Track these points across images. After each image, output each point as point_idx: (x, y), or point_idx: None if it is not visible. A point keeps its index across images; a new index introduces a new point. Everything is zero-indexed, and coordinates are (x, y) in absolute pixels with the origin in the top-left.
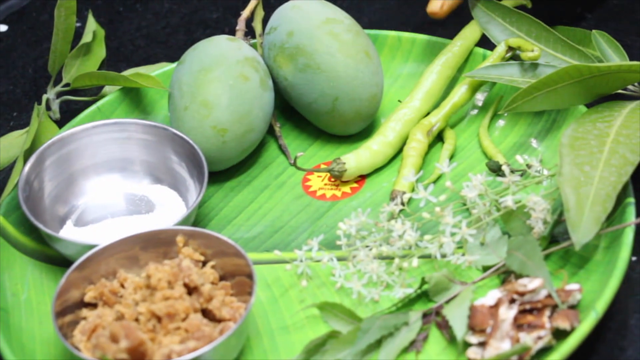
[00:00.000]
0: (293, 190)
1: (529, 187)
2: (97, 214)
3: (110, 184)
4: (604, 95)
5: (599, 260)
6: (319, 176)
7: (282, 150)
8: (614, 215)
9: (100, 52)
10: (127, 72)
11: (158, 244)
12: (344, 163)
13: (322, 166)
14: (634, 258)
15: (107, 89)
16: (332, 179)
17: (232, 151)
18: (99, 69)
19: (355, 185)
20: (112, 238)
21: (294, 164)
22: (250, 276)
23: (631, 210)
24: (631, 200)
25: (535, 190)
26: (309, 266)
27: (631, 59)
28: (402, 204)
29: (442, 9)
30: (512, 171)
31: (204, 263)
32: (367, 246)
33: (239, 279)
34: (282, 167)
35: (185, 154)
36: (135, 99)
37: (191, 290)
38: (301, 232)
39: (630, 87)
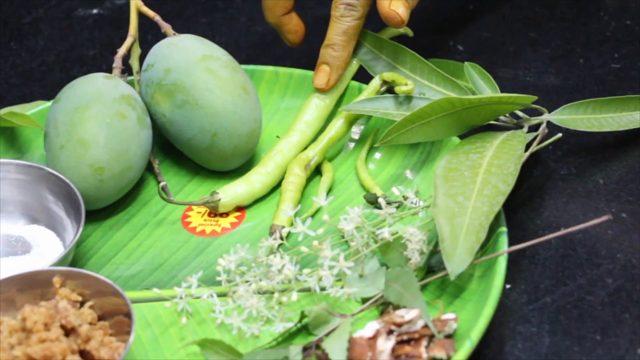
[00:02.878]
0: (173, 227)
1: (405, 218)
2: None
3: None
4: (476, 126)
5: (473, 289)
6: (198, 212)
7: (161, 187)
8: (488, 245)
9: None
10: (2, 111)
11: (35, 285)
12: (218, 193)
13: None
14: (507, 286)
15: None
16: (212, 214)
17: (110, 189)
18: None
19: (235, 220)
20: None
21: (165, 198)
22: (128, 315)
23: (504, 239)
24: (503, 229)
25: (411, 221)
26: (189, 303)
27: (502, 91)
28: (281, 238)
29: (327, 84)
30: (389, 203)
31: (82, 303)
32: (246, 281)
33: (118, 319)
34: (161, 204)
35: (62, 193)
36: (10, 138)
37: (69, 331)
38: (181, 269)
39: (502, 117)
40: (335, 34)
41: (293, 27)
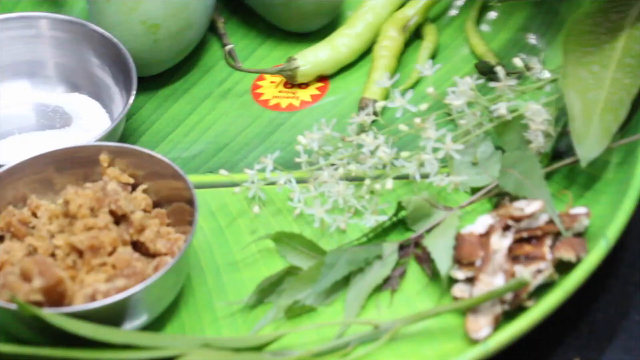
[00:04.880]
0: (241, 99)
1: (527, 93)
2: (2, 129)
3: (16, 92)
4: None
5: (610, 179)
6: (272, 82)
7: (226, 51)
8: (629, 125)
9: None
10: None
11: (77, 164)
12: (296, 59)
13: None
14: None
15: None
16: (289, 85)
17: (166, 52)
18: None
19: (316, 91)
20: (20, 157)
21: (235, 66)
22: (190, 202)
23: None
24: None
25: (534, 97)
26: (261, 189)
27: None
28: (375, 114)
29: None
30: (507, 73)
31: (134, 186)
32: (332, 165)
33: (177, 206)
34: (226, 71)
35: (109, 56)
36: None
37: (119, 219)
38: (252, 149)
39: None
40: None
41: None
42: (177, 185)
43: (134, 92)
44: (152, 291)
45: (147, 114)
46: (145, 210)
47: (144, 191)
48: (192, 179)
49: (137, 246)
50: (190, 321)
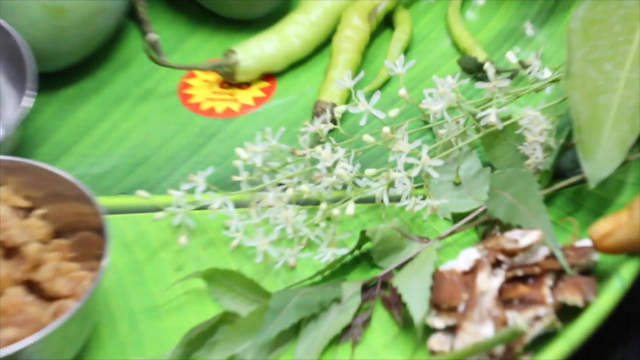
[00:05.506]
0: (165, 102)
1: (522, 96)
2: None
3: None
4: None
5: (624, 203)
6: (205, 81)
7: (148, 41)
8: None
9: None
10: None
11: None
12: (235, 53)
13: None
14: None
15: None
16: (226, 85)
17: (72, 42)
18: None
19: (260, 93)
20: None
21: (159, 60)
22: (100, 231)
23: None
24: None
25: (532, 101)
26: (190, 215)
27: None
28: (333, 121)
29: None
30: (498, 72)
31: (30, 211)
32: (279, 184)
33: (83, 236)
34: (147, 67)
35: (0, 46)
36: None
37: (9, 252)
38: (178, 165)
39: None
40: None
41: None
42: (84, 209)
43: (31, 92)
44: (50, 343)
45: (47, 119)
46: (43, 242)
47: (42, 217)
48: (103, 201)
49: (32, 287)
50: None
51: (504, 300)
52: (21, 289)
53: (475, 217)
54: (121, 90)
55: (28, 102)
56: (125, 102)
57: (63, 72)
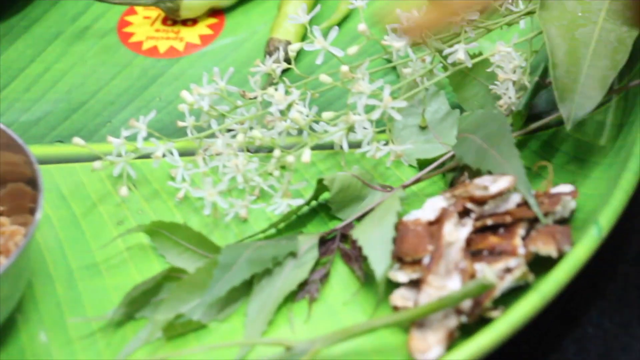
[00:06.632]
0: (103, 41)
1: (494, 30)
2: None
3: None
4: None
5: (604, 147)
6: (146, 17)
7: None
8: (631, 74)
9: None
10: None
11: None
12: None
13: None
14: None
15: None
16: (169, 22)
17: None
18: None
19: (207, 30)
20: None
21: None
22: (32, 182)
23: None
24: None
25: (504, 36)
26: (131, 164)
27: None
28: (287, 60)
29: None
30: None
31: None
32: (228, 130)
33: (14, 187)
34: (82, 3)
35: None
36: None
37: None
38: (118, 110)
39: None
40: None
41: None
42: (14, 159)
43: None
44: None
45: None
46: None
47: None
48: (35, 150)
49: None
50: (33, 345)
51: (473, 251)
52: None
53: (443, 164)
54: (54, 29)
55: None
56: (59, 42)
57: None
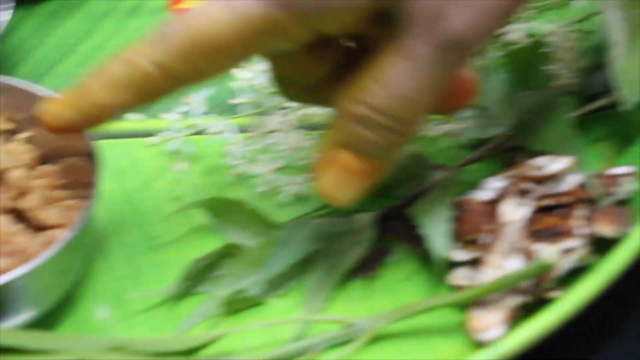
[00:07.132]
0: (156, 18)
1: (551, 9)
2: None
3: None
4: None
5: None
6: None
7: None
8: None
9: None
10: None
11: None
12: None
13: None
14: None
15: None
16: None
17: None
18: None
19: None
20: None
21: None
22: (90, 157)
23: None
24: None
25: (559, 15)
26: (187, 140)
27: None
28: None
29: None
30: None
31: (13, 134)
32: (283, 108)
33: (72, 162)
34: None
35: None
36: None
37: None
38: None
39: None
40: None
41: None
42: (69, 134)
43: (10, 3)
44: (41, 276)
45: (26, 36)
46: (28, 167)
47: (26, 141)
48: None
49: (20, 216)
50: (91, 319)
51: (532, 231)
52: (7, 217)
53: (500, 144)
54: (106, 5)
55: (5, 14)
56: (112, 18)
57: None
